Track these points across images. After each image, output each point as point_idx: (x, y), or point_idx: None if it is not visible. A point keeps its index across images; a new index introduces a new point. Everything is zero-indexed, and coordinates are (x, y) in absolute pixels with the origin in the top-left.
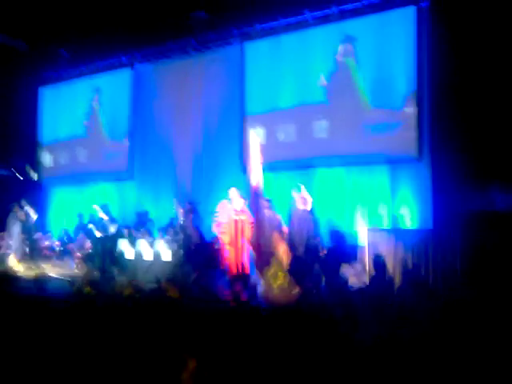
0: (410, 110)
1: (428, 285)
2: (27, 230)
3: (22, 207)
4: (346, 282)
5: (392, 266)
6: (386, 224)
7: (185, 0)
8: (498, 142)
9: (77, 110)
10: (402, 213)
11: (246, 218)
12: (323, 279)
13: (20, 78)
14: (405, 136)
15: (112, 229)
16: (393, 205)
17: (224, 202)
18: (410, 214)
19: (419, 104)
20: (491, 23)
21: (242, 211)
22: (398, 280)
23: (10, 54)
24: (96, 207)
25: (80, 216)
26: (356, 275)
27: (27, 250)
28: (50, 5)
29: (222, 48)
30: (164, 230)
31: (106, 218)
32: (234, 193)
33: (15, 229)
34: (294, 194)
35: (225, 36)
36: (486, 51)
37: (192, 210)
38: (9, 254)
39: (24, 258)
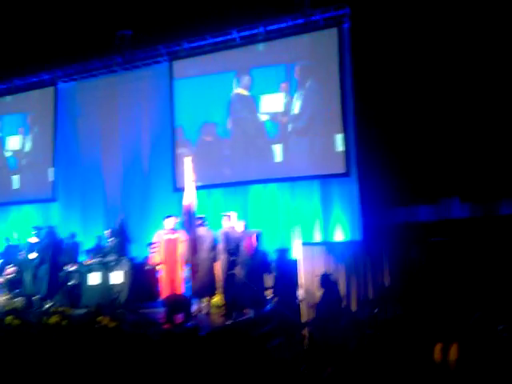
0: (337, 127)
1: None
2: None
3: None
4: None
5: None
6: (319, 238)
7: (111, 18)
8: (421, 156)
9: None
10: (334, 226)
11: (178, 236)
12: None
13: None
14: (333, 153)
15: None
16: (325, 219)
17: (159, 232)
18: (341, 227)
19: (345, 123)
20: (408, 41)
21: (173, 230)
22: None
23: None
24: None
25: (6, 240)
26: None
27: None
28: None
29: (149, 66)
30: (92, 252)
31: (36, 240)
32: (169, 222)
33: None
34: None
35: (152, 54)
36: (406, 67)
37: (120, 231)
38: None
39: None
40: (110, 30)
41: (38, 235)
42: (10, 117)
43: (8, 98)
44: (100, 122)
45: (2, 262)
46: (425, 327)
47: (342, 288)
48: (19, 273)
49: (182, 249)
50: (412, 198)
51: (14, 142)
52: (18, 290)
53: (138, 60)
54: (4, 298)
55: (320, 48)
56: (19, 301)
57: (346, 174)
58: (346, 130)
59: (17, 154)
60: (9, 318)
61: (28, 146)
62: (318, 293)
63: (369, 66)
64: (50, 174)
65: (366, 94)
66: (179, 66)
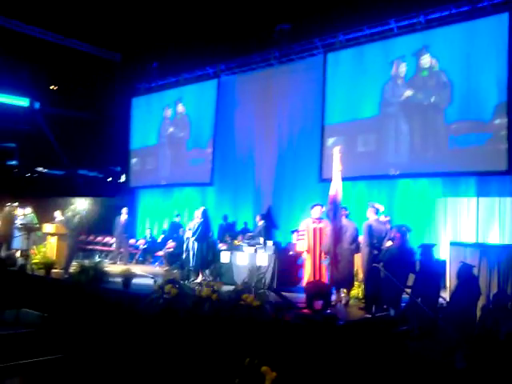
0: (501, 120)
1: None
2: (124, 231)
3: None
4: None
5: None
6: (471, 239)
7: (269, 13)
8: None
9: (164, 119)
10: (489, 228)
11: (324, 225)
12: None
13: (115, 89)
14: (493, 148)
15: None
16: (479, 219)
17: (306, 220)
18: (499, 229)
19: (510, 113)
20: None
21: (319, 219)
22: (481, 299)
23: (106, 67)
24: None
25: (177, 215)
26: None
27: (122, 250)
28: (143, 19)
29: (304, 59)
30: (241, 234)
31: (198, 220)
32: (316, 210)
33: (119, 230)
34: (370, 206)
35: (308, 47)
36: None
37: (268, 216)
38: (111, 255)
39: (119, 257)
40: (270, 24)
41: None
42: (176, 106)
43: (176, 90)
44: (255, 112)
45: (164, 237)
46: None
47: (483, 289)
48: (178, 248)
49: (325, 238)
50: None
51: (178, 130)
52: (176, 263)
53: (294, 53)
54: (164, 269)
55: (485, 35)
56: (177, 272)
57: (507, 172)
58: (510, 124)
59: (181, 140)
60: (168, 287)
61: (190, 134)
62: (453, 282)
63: None
64: (209, 160)
65: None
66: (333, 58)
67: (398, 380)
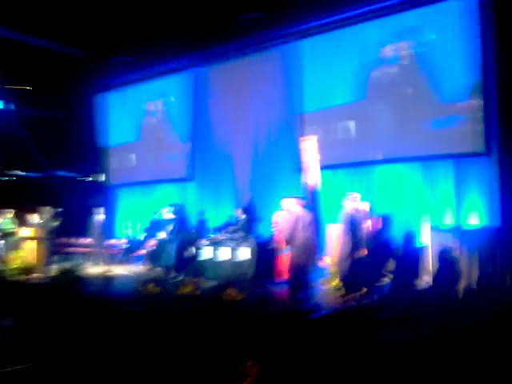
0: (476, 102)
1: (495, 288)
2: (102, 231)
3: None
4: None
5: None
6: (450, 223)
7: (241, 1)
8: None
9: (140, 114)
10: (468, 211)
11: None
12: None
13: (85, 85)
14: (470, 130)
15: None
16: (458, 203)
17: (278, 213)
18: (477, 212)
19: (486, 96)
20: None
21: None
22: (463, 282)
23: (75, 62)
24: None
25: (154, 213)
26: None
27: (101, 250)
28: (109, 12)
29: (278, 47)
30: (222, 229)
31: (173, 216)
32: (287, 202)
33: (95, 231)
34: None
35: (281, 35)
36: None
37: (248, 209)
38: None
39: (99, 258)
40: (242, 13)
41: (173, 212)
42: (151, 100)
43: (151, 84)
44: (232, 103)
45: (146, 236)
46: None
47: (465, 271)
48: (159, 246)
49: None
50: None
51: (156, 125)
52: (158, 261)
53: (268, 41)
54: (146, 268)
55: (459, 16)
56: (158, 271)
57: (485, 154)
58: (486, 104)
59: (159, 136)
60: (150, 286)
61: (169, 129)
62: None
63: None
64: (189, 154)
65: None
66: (308, 45)
67: (375, 364)
